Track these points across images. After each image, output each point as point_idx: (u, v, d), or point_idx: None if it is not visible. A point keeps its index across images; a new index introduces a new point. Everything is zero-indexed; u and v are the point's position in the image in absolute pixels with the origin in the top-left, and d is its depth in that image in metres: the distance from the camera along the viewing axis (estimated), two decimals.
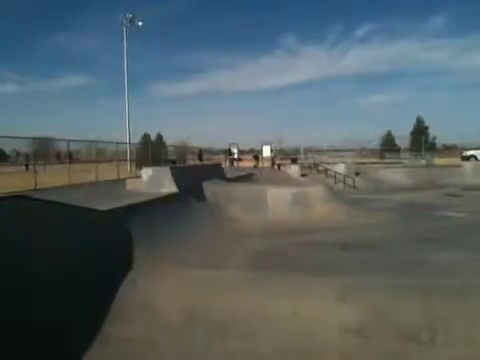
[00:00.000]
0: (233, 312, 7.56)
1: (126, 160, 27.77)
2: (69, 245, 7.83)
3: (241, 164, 41.63)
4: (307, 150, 60.40)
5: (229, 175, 24.06)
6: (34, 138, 18.36)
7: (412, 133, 79.16)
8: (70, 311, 6.65)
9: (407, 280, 8.44)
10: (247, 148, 68.05)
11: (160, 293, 8.14)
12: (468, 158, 42.54)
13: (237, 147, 46.31)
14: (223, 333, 7.09)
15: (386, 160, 54.73)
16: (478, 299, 7.39)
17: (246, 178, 25.17)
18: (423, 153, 55.26)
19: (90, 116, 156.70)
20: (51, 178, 17.51)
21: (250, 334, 7.04)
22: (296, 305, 7.60)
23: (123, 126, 33.47)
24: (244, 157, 51.53)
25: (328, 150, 61.57)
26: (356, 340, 6.89)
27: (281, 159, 47.24)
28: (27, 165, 22.92)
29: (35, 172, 16.05)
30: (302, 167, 35.37)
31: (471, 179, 31.06)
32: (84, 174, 20.27)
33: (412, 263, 9.94)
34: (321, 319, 7.27)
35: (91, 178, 20.09)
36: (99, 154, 24.81)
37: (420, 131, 76.46)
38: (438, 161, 47.56)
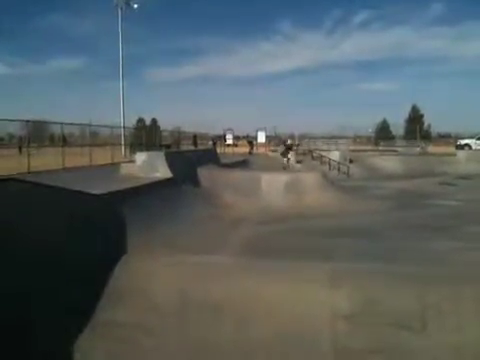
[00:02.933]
0: (226, 297, 7.57)
1: (120, 144, 27.61)
2: (61, 229, 7.78)
3: (236, 150, 41.51)
4: (302, 137, 60.36)
5: (224, 161, 24.02)
6: (28, 121, 18.14)
7: (407, 121, 79.07)
8: (62, 295, 6.63)
9: (399, 267, 8.48)
10: (242, 134, 67.91)
11: (154, 278, 8.13)
12: (462, 147, 42.62)
13: (232, 133, 46.18)
14: (216, 317, 7.12)
15: (381, 148, 54.76)
16: (470, 288, 7.45)
17: (241, 164, 25.12)
18: (418, 141, 55.31)
19: (85, 100, 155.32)
20: (44, 161, 17.39)
21: (243, 319, 7.06)
22: (289, 291, 7.62)
23: (118, 110, 33.26)
24: (239, 143, 51.47)
25: (323, 137, 61.57)
26: (348, 326, 6.93)
27: (275, 145, 47.18)
28: (20, 148, 22.75)
29: (28, 155, 15.92)
30: (297, 154, 35.31)
31: (465, 168, 31.16)
32: (78, 157, 20.15)
33: (405, 251, 9.98)
34: (313, 305, 7.30)
35: (85, 162, 19.98)
36: (93, 138, 24.64)
37: (415, 119, 76.42)
38: (432, 149, 47.63)
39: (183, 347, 6.36)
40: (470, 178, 26.43)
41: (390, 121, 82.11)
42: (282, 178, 17.15)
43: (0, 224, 6.51)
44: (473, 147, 41.92)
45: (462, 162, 33.59)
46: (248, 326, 6.92)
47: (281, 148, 29.64)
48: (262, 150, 41.30)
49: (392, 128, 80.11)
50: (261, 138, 46.11)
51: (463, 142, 44.49)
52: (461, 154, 36.29)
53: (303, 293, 7.58)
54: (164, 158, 15.54)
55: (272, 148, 43.59)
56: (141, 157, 15.88)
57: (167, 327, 6.84)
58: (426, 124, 79.43)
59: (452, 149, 42.41)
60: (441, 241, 10.71)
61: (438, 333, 6.66)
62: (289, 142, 34.21)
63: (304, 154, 37.04)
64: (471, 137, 44.69)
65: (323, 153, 34.97)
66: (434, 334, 6.65)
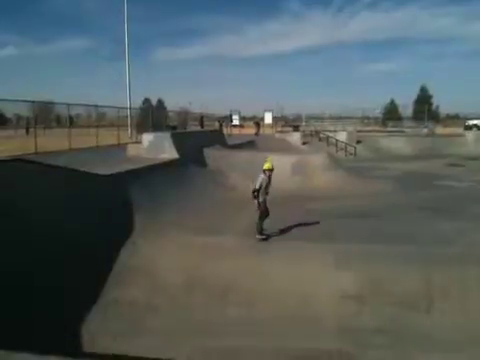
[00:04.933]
0: (233, 278, 7.62)
1: (127, 125, 27.55)
2: (69, 208, 7.84)
3: (242, 131, 41.35)
4: (309, 118, 59.95)
5: (230, 142, 23.94)
6: (34, 102, 18.12)
7: (415, 102, 78.26)
8: (70, 274, 6.70)
9: (406, 248, 8.48)
10: (249, 115, 67.58)
11: (161, 258, 8.20)
12: (471, 127, 42.24)
13: (239, 114, 45.93)
14: (222, 298, 7.18)
15: (388, 129, 54.34)
16: (475, 269, 7.45)
17: (247, 145, 25.03)
18: (426, 122, 54.80)
19: (91, 80, 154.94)
20: (51, 142, 17.42)
21: (249, 299, 7.12)
22: (295, 272, 7.68)
23: (124, 91, 33.11)
24: (246, 124, 51.25)
25: (330, 118, 61.15)
26: (354, 306, 6.97)
27: (282, 126, 46.93)
28: (27, 129, 22.81)
29: (35, 136, 15.94)
30: (303, 135, 35.10)
31: (473, 149, 30.94)
32: (84, 138, 20.15)
33: (412, 232, 9.97)
34: (319, 285, 7.35)
35: (91, 143, 20.00)
36: (99, 119, 24.61)
37: (424, 100, 75.60)
38: (441, 130, 47.24)
39: (189, 327, 6.42)
40: (478, 159, 26.23)
41: (398, 102, 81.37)
42: (289, 159, 17.06)
43: (9, 203, 6.56)
44: None
45: (470, 143, 33.33)
46: (254, 307, 6.97)
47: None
48: (269, 131, 41.09)
49: (400, 109, 79.38)
50: (268, 119, 45.87)
51: (471, 123, 44.09)
52: (469, 135, 35.97)
53: (309, 274, 7.63)
54: (171, 139, 15.51)
55: (279, 129, 43.38)
56: (148, 138, 15.86)
57: (174, 307, 6.90)
58: (434, 105, 78.58)
59: (460, 130, 42.00)
60: (448, 222, 10.67)
61: (443, 314, 6.69)
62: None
63: (311, 135, 36.84)
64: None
65: (330, 134, 34.75)
66: (439, 315, 6.69)
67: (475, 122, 43.65)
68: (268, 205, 9.54)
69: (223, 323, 6.20)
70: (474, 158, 26.53)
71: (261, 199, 9.28)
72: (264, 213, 9.29)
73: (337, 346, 6.05)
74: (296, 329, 6.46)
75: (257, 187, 9.22)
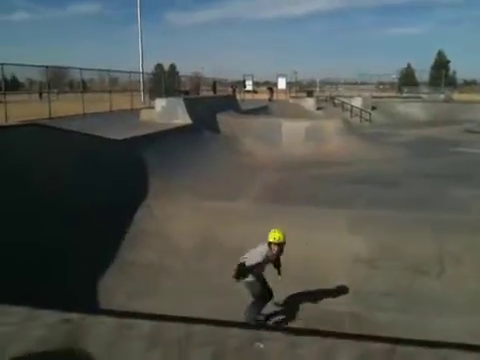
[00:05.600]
0: (246, 241, 7.68)
1: (139, 90, 27.38)
2: (84, 173, 7.91)
3: (256, 96, 40.91)
4: (323, 83, 59.00)
5: (244, 107, 23.74)
6: (47, 66, 18.02)
7: (433, 67, 76.41)
8: (86, 237, 6.82)
9: (419, 214, 8.45)
10: (262, 80, 66.73)
11: (175, 222, 8.28)
12: None
13: (252, 79, 45.34)
14: (235, 261, 7.25)
15: (404, 94, 53.33)
16: None
17: (261, 111, 24.82)
18: (442, 88, 53.62)
19: (102, 45, 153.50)
20: (65, 107, 17.41)
21: None
22: (308, 236, 7.71)
23: (136, 56, 32.77)
24: (259, 89, 50.63)
25: (345, 83, 60.13)
26: (365, 270, 7.02)
27: (296, 92, 46.29)
28: (41, 94, 22.77)
29: (49, 101, 15.93)
30: (318, 100, 34.64)
31: None
32: (98, 103, 20.09)
33: (425, 198, 9.92)
34: (332, 250, 7.39)
35: (105, 108, 19.95)
36: (112, 84, 24.45)
37: (441, 65, 73.78)
38: (458, 96, 46.25)
39: (203, 288, 6.53)
40: None
41: (415, 67, 79.49)
42: (303, 125, 16.93)
43: (25, 168, 6.63)
44: None
45: None
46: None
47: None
48: (283, 97, 40.59)
49: (417, 74, 77.62)
50: (281, 84, 45.18)
51: None
52: None
53: (321, 238, 7.66)
54: (183, 104, 15.43)
55: (293, 95, 42.83)
56: (161, 103, 15.78)
57: (187, 269, 7.01)
58: (451, 70, 76.68)
59: (477, 96, 41.07)
60: (462, 189, 10.58)
61: (455, 280, 6.71)
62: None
63: (325, 101, 36.36)
64: None
65: (345, 100, 34.25)
66: (451, 281, 6.70)
67: None
68: (280, 171, 9.27)
69: (236, 284, 6.26)
70: None
71: (251, 279, 5.87)
72: (261, 298, 5.93)
73: (348, 309, 6.13)
74: (308, 292, 6.54)
75: (250, 264, 5.80)
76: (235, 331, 1.17)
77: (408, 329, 5.42)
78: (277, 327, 1.32)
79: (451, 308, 6.05)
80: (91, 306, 5.51)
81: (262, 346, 1.06)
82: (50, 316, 1.13)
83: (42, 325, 1.12)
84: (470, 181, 11.61)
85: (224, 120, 17.63)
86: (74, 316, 1.12)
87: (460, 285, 6.57)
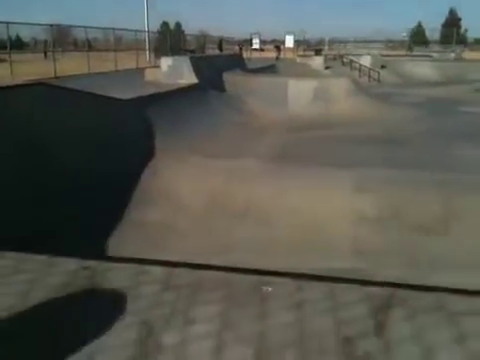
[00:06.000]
0: (252, 200, 7.78)
1: (145, 49, 27.05)
2: (90, 132, 7.95)
3: (263, 55, 40.27)
4: (332, 42, 57.86)
5: (250, 66, 23.44)
6: (52, 25, 17.81)
7: (444, 25, 74.49)
8: (92, 196, 6.92)
9: (426, 174, 8.47)
10: (270, 38, 65.49)
11: (181, 181, 8.36)
12: None
13: (259, 37, 44.55)
14: (241, 220, 7.37)
15: (414, 53, 52.25)
16: None
17: (267, 69, 24.50)
18: (453, 46, 52.43)
19: (108, 3, 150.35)
20: (70, 66, 17.30)
21: (267, 221, 7.30)
22: (314, 195, 7.78)
23: (141, 14, 32.10)
24: (266, 48, 49.79)
25: (354, 42, 58.97)
26: (370, 229, 7.10)
27: (304, 51, 45.51)
28: (45, 52, 22.58)
29: (54, 60, 15.82)
30: (326, 59, 34.05)
31: None
32: (103, 63, 19.93)
33: (433, 158, 9.90)
34: (337, 209, 7.47)
35: (110, 67, 19.80)
36: (117, 43, 24.16)
37: (452, 23, 71.85)
38: (469, 55, 45.27)
39: (210, 246, 6.66)
40: None
41: (426, 25, 77.59)
42: (310, 84, 16.71)
43: (31, 127, 6.68)
44: None
45: None
46: (272, 228, 7.15)
47: None
48: (290, 55, 39.93)
49: (428, 33, 75.84)
50: (289, 43, 44.37)
51: None
52: None
53: (327, 197, 7.73)
54: (190, 63, 15.24)
55: (301, 53, 42.12)
56: (166, 62, 15.60)
57: (195, 228, 7.14)
58: (463, 29, 74.81)
59: None
60: (470, 149, 10.54)
61: (460, 238, 6.79)
62: None
63: (334, 59, 35.76)
64: None
65: (353, 58, 33.64)
66: (456, 238, 6.79)
67: None
68: (287, 131, 9.21)
69: (242, 242, 6.40)
70: None
71: None
72: None
73: (353, 265, 6.24)
74: (312, 250, 6.65)
75: None
76: (244, 276, 1.23)
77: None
78: (285, 272, 1.38)
79: (454, 265, 6.15)
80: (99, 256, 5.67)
81: (270, 289, 1.12)
82: (69, 263, 1.19)
83: (62, 272, 1.18)
84: (477, 140, 11.56)
85: (230, 79, 17.43)
86: (92, 263, 1.18)
87: (464, 243, 6.65)
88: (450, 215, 7.20)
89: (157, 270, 1.19)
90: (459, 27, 72.63)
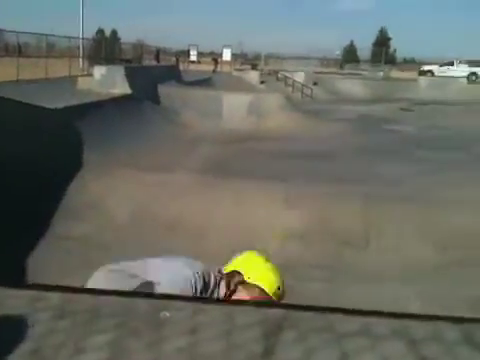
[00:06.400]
0: (182, 213, 7.77)
1: (78, 56, 26.35)
2: (16, 142, 7.63)
3: (200, 67, 40.44)
4: (268, 56, 59.07)
5: (186, 78, 23.48)
6: None
7: (374, 44, 78.18)
8: (15, 207, 6.64)
9: (352, 189, 8.84)
10: (207, 50, 65.88)
11: (110, 194, 8.21)
12: (425, 73, 42.93)
13: (197, 49, 44.73)
14: (170, 232, 7.33)
15: (345, 71, 54.46)
16: (412, 210, 7.92)
17: (204, 82, 24.63)
18: (382, 65, 55.16)
19: (41, 8, 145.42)
20: None
21: (197, 234, 7.31)
22: (244, 210, 7.90)
23: (76, 21, 31.26)
24: (204, 60, 50.04)
25: (289, 58, 60.53)
26: (297, 243, 7.30)
27: (241, 64, 46.17)
28: None
29: None
30: (262, 74, 34.71)
31: (425, 94, 31.59)
32: (34, 69, 19.19)
33: (360, 173, 10.35)
34: (267, 223, 7.62)
35: (41, 74, 19.11)
36: (50, 49, 23.39)
37: (382, 42, 75.57)
38: (396, 74, 47.77)
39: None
40: (429, 104, 26.93)
41: (358, 45, 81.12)
42: (244, 99, 17.02)
43: None
44: (436, 73, 42.25)
45: (423, 88, 34.03)
46: (202, 240, 7.17)
47: None
48: (227, 68, 40.35)
49: (359, 52, 79.25)
50: (226, 56, 44.83)
51: (426, 68, 44.66)
52: (423, 80, 36.68)
53: (257, 211, 7.87)
54: (123, 73, 15.06)
55: (237, 67, 42.67)
56: (100, 71, 15.34)
57: (124, 242, 7.00)
58: (392, 48, 78.81)
59: (415, 75, 42.66)
60: (394, 165, 11.13)
61: (379, 251, 7.15)
62: None
63: (269, 74, 36.50)
64: (435, 63, 44.89)
65: (288, 74, 34.54)
66: (375, 251, 7.14)
67: (430, 68, 44.27)
68: (220, 145, 9.35)
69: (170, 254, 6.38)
70: (425, 103, 27.20)
71: None
72: None
73: None
74: None
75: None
76: (143, 301, 1.25)
77: (334, 298, 5.73)
78: (183, 296, 1.38)
79: (374, 278, 6.44)
80: (20, 280, 5.43)
81: (168, 314, 1.15)
82: None
83: None
84: (401, 157, 12.24)
85: (165, 91, 17.38)
86: None
87: (382, 256, 7.00)
88: (370, 230, 7.56)
89: (55, 296, 1.18)
90: (388, 47, 76.44)
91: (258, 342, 0.99)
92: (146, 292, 1.58)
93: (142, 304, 1.09)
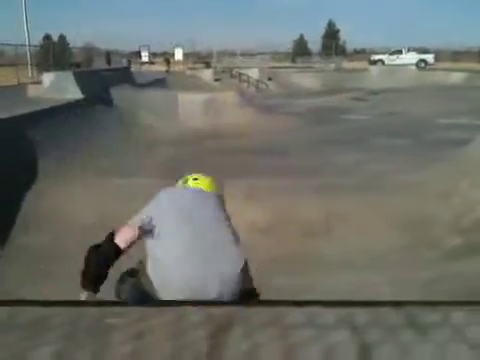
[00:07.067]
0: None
1: (26, 64, 25.59)
2: None
3: (152, 68, 40.01)
4: (221, 54, 59.08)
5: (139, 80, 23.18)
6: None
7: (324, 37, 79.40)
8: None
9: (309, 181, 8.98)
10: (159, 51, 65.24)
11: (68, 201, 8.04)
12: (375, 62, 43.94)
13: (148, 50, 44.24)
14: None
15: (298, 64, 55.11)
16: (371, 196, 8.12)
17: (157, 83, 24.40)
18: (333, 57, 56.09)
19: None
20: None
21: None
22: None
23: (21, 27, 30.31)
24: (156, 60, 49.53)
25: (242, 54, 60.75)
26: (261, 237, 7.35)
27: (194, 63, 45.97)
28: None
29: None
30: (216, 71, 34.69)
31: (377, 83, 32.36)
32: None
33: (316, 165, 10.52)
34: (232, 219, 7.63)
35: None
36: None
37: (331, 35, 76.81)
38: (347, 65, 48.71)
39: None
40: (381, 93, 27.59)
41: (308, 37, 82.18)
42: (199, 98, 16.98)
43: None
44: (386, 62, 43.33)
45: (374, 77, 34.83)
46: None
47: None
48: (180, 68, 40.11)
49: (309, 45, 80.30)
50: (179, 55, 44.69)
51: (376, 58, 45.77)
52: (374, 70, 37.59)
53: None
54: (73, 78, 14.75)
55: (190, 66, 42.48)
56: (49, 78, 14.97)
57: (83, 251, 6.86)
58: (342, 40, 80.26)
59: (366, 65, 43.59)
60: (349, 154, 11.36)
61: (341, 239, 7.28)
62: None
63: (223, 72, 36.51)
64: (385, 53, 46.00)
65: (242, 71, 34.66)
66: (338, 240, 7.27)
67: (380, 57, 45.35)
68: (178, 145, 9.29)
69: (134, 260, 6.30)
70: (377, 92, 27.87)
71: None
72: None
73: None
74: None
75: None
76: (89, 309, 1.24)
77: (302, 289, 5.80)
78: (127, 302, 1.38)
79: (339, 266, 6.56)
80: None
81: (115, 321, 1.15)
82: None
83: None
84: (356, 146, 12.52)
85: (119, 94, 17.11)
86: None
87: (344, 243, 7.14)
88: (332, 219, 7.70)
89: (1, 310, 1.16)
90: (338, 39, 77.76)
91: (205, 341, 1.00)
92: (92, 301, 1.58)
93: (88, 312, 1.08)
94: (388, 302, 1.26)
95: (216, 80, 32.18)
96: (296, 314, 1.21)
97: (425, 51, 45.06)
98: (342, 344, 1.07)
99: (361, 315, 1.18)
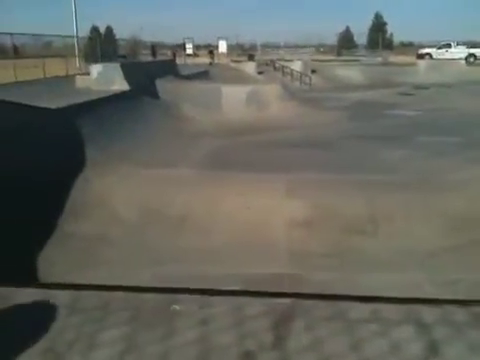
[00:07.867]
0: (187, 209, 7.79)
1: (75, 55, 26.31)
2: (18, 144, 7.66)
3: (196, 60, 40.30)
4: (265, 46, 58.86)
5: (184, 72, 23.40)
6: None
7: (370, 29, 77.65)
8: (21, 209, 6.67)
9: (354, 176, 8.84)
10: (203, 43, 65.63)
11: (115, 192, 8.24)
12: (423, 56, 42.69)
13: (192, 42, 44.53)
14: (178, 228, 7.36)
15: (343, 57, 54.17)
16: (418, 194, 7.92)
17: (201, 75, 24.55)
18: (380, 50, 54.85)
19: (33, 8, 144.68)
20: None
21: (203, 229, 7.33)
22: (248, 201, 7.91)
23: (70, 19, 31.12)
24: (200, 53, 49.86)
25: (286, 46, 60.29)
26: (303, 233, 7.31)
27: (237, 55, 45.99)
28: None
29: None
30: (259, 64, 34.57)
31: (424, 78, 31.42)
32: (31, 70, 19.19)
33: (361, 160, 10.34)
34: (271, 214, 7.63)
35: (38, 74, 19.09)
36: (46, 49, 23.35)
37: (378, 27, 75.01)
38: (394, 59, 47.52)
39: (147, 257, 6.60)
40: (428, 88, 26.81)
41: (354, 30, 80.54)
42: (243, 90, 16.97)
43: None
44: (434, 56, 42.04)
45: (422, 72, 33.84)
46: (209, 236, 7.20)
47: None
48: (223, 60, 40.20)
49: (356, 37, 78.71)
50: (222, 48, 44.69)
51: (424, 51, 44.45)
52: (421, 64, 36.49)
53: (262, 203, 7.88)
54: (120, 70, 15.04)
55: (234, 58, 42.51)
56: (96, 69, 15.32)
57: (131, 239, 7.04)
58: (389, 33, 78.23)
59: (413, 59, 42.41)
60: (395, 151, 11.10)
61: (388, 237, 7.14)
62: None
63: (266, 64, 36.35)
64: (433, 46, 44.63)
65: (285, 63, 34.38)
66: (384, 238, 7.13)
67: (428, 51, 44.03)
68: (221, 137, 9.31)
69: (180, 251, 6.39)
70: (424, 87, 27.09)
71: None
72: None
73: (287, 270, 6.39)
74: (249, 256, 6.75)
75: None
76: (152, 296, 1.27)
77: (345, 286, 5.74)
78: (192, 289, 1.42)
79: (384, 266, 6.44)
80: (28, 279, 5.48)
81: (178, 308, 1.17)
82: None
83: None
84: (401, 142, 12.20)
85: (163, 86, 17.33)
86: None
87: (393, 243, 6.99)
88: (378, 216, 7.55)
89: (63, 294, 1.20)
90: (385, 31, 75.87)
91: (268, 331, 1.01)
92: (154, 287, 1.62)
93: (151, 297, 1.11)
94: (453, 300, 1.24)
95: (259, 73, 32.07)
96: (360, 309, 1.20)
97: (475, 45, 43.36)
98: (408, 340, 1.06)
99: (426, 312, 1.16)
